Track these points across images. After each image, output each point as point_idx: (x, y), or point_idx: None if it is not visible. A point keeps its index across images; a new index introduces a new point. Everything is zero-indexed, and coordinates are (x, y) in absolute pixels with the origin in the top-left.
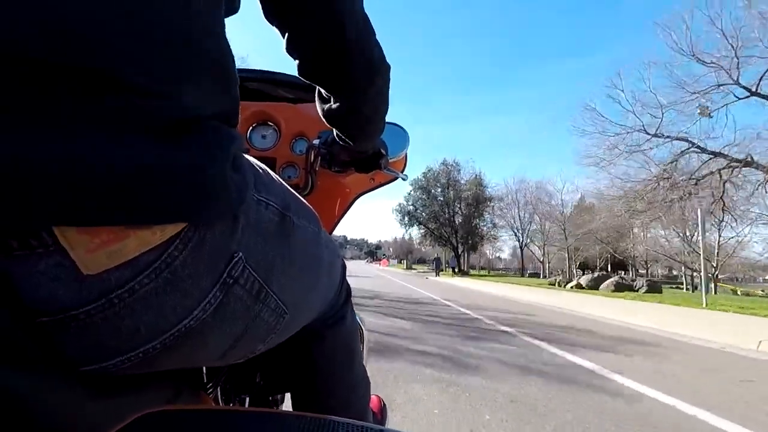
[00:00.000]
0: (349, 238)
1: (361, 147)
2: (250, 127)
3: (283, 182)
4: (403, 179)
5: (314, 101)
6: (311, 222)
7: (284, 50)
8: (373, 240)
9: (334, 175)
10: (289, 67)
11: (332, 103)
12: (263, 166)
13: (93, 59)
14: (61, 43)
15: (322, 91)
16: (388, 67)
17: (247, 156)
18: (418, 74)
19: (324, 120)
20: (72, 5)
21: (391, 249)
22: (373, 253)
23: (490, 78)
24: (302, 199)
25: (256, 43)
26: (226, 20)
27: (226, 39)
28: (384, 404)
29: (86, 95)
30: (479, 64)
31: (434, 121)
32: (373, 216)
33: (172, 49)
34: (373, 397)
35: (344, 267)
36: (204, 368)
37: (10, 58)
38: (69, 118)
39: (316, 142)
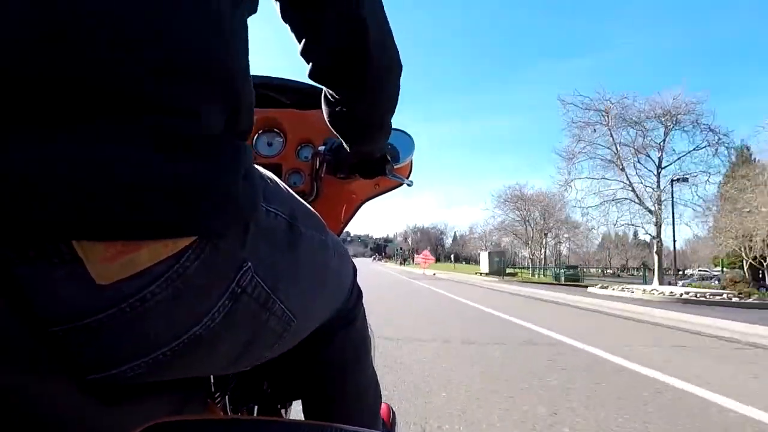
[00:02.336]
0: (352, 234)
1: (370, 149)
2: (256, 134)
3: (290, 190)
4: (409, 185)
5: (320, 108)
6: (318, 229)
7: (299, 53)
8: (378, 235)
9: (339, 182)
10: (294, 73)
11: (342, 106)
12: (271, 175)
13: (110, 76)
14: (80, 60)
15: (329, 94)
16: (402, 68)
17: (255, 166)
18: (420, 73)
19: (330, 124)
20: (88, 23)
21: (409, 241)
22: (380, 248)
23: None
24: (309, 206)
25: (259, 45)
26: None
27: (246, 51)
28: (393, 413)
29: (102, 110)
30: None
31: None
32: (378, 213)
33: (189, 64)
34: (383, 405)
35: (355, 271)
36: (211, 377)
37: (34, 72)
38: (87, 132)
39: (321, 148)
